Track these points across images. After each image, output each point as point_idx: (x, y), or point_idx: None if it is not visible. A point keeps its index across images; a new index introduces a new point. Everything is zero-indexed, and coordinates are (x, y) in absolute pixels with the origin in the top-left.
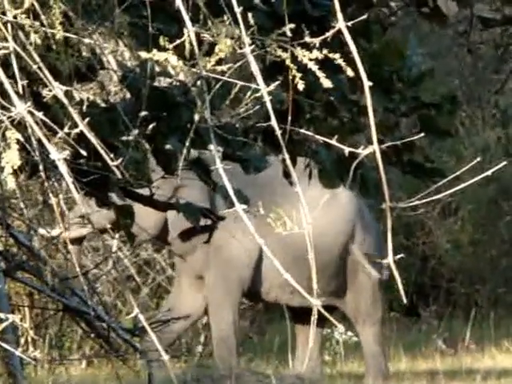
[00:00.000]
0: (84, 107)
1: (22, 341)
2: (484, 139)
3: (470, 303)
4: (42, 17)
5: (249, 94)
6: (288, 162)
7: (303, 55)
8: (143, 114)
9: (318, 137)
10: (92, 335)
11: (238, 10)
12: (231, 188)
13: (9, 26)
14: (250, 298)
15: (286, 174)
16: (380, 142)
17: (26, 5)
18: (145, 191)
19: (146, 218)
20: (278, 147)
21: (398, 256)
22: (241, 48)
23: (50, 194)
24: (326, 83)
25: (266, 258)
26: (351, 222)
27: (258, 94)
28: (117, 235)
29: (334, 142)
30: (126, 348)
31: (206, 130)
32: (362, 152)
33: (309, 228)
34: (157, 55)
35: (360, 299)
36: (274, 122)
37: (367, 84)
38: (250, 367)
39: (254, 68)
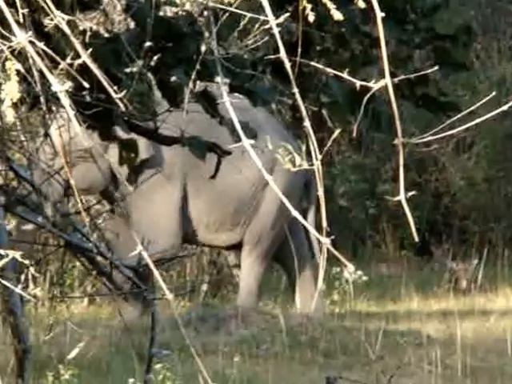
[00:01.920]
0: (87, 37)
1: (22, 278)
2: (500, 72)
3: (484, 242)
4: None
5: (257, 25)
6: (297, 95)
7: None
8: (148, 44)
9: (328, 69)
10: (94, 272)
11: None
12: (238, 121)
13: None
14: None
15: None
16: (392, 75)
17: None
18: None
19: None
20: (287, 80)
21: (410, 193)
22: None
23: (52, 127)
24: (337, 15)
25: (191, 200)
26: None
27: (267, 26)
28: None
29: (345, 74)
30: (128, 286)
31: (212, 61)
32: (374, 85)
33: (318, 164)
34: None
35: (263, 232)
36: (283, 54)
37: (379, 15)
38: (257, 307)
39: None
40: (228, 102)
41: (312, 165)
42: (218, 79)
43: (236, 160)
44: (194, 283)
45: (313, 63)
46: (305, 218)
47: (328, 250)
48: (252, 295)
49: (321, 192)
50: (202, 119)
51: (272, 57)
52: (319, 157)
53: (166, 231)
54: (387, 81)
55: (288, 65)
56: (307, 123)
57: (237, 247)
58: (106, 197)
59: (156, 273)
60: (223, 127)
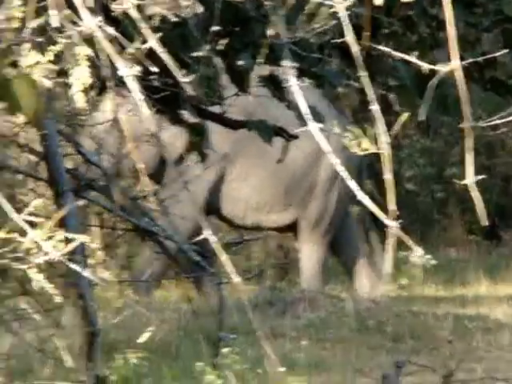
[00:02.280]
0: (155, 22)
1: (91, 262)
2: None
3: None
4: None
5: (325, 8)
6: (365, 79)
7: None
8: (215, 28)
9: (396, 53)
10: (162, 256)
11: None
12: (306, 105)
13: None
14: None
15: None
16: (461, 58)
17: None
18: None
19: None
20: (355, 63)
21: (479, 177)
22: None
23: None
24: None
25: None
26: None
27: (334, 9)
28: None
29: (412, 58)
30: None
31: (279, 45)
32: (442, 69)
33: (387, 148)
34: None
35: (323, 216)
36: (350, 38)
37: None
38: (324, 290)
39: None
40: (295, 86)
41: (379, 148)
42: (285, 63)
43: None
44: (261, 267)
45: (380, 46)
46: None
47: (396, 233)
48: (315, 280)
49: (389, 176)
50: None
51: (339, 40)
52: (387, 140)
53: (184, 214)
54: (455, 64)
55: (355, 48)
56: (375, 107)
57: (290, 230)
58: (155, 181)
59: (223, 256)
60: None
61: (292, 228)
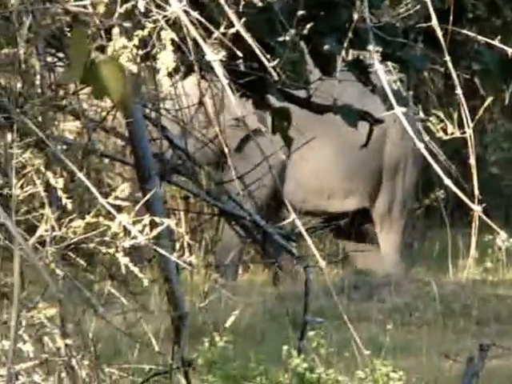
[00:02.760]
0: (240, 6)
1: (178, 246)
2: None
3: None
4: None
5: None
6: (449, 63)
7: None
8: (301, 13)
9: (480, 37)
10: (248, 240)
11: None
12: (390, 89)
13: None
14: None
15: None
16: None
17: None
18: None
19: None
20: (439, 48)
21: None
22: None
23: (206, 96)
24: None
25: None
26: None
27: None
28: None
29: (497, 42)
30: (282, 253)
31: (364, 29)
32: None
33: (470, 132)
34: None
35: (392, 203)
36: (435, 22)
37: None
38: (410, 274)
39: None
40: (381, 71)
41: (464, 133)
42: (370, 47)
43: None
44: (347, 250)
45: (465, 31)
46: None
47: (480, 217)
48: (397, 267)
49: (473, 160)
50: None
51: (424, 25)
52: (471, 125)
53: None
54: None
55: (440, 33)
56: (459, 91)
57: (365, 217)
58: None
59: (309, 240)
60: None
61: (366, 216)
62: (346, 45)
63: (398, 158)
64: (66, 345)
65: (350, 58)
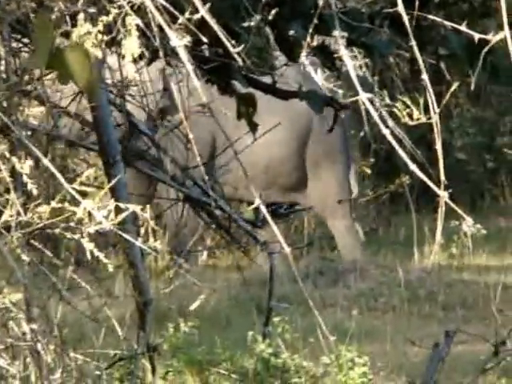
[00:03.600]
0: None
1: (143, 231)
2: None
3: None
4: None
5: None
6: (415, 48)
7: None
8: None
9: (446, 22)
10: (213, 226)
11: None
12: (356, 75)
13: None
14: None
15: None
16: (511, 26)
17: None
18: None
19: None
20: (405, 33)
21: None
22: None
23: (170, 82)
24: None
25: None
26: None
27: None
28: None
29: (463, 27)
30: (247, 239)
31: (330, 15)
32: (493, 38)
33: (436, 118)
34: None
35: (326, 194)
36: (401, 7)
37: None
38: (375, 260)
39: None
40: (346, 56)
41: (430, 118)
42: (336, 33)
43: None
44: (312, 237)
45: (431, 16)
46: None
47: (446, 203)
48: (351, 249)
49: (439, 146)
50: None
51: (390, 10)
52: (437, 110)
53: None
54: (506, 33)
55: (406, 18)
56: (425, 76)
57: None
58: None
59: (274, 226)
60: None
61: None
62: (311, 30)
63: (320, 152)
64: (32, 329)
65: (315, 43)
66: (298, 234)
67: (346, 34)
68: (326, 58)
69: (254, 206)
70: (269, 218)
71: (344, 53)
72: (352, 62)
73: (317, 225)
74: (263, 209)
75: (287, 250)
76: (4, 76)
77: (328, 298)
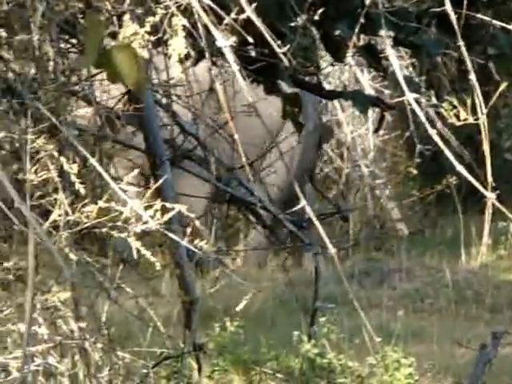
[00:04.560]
0: None
1: (189, 231)
2: None
3: None
4: None
5: None
6: (463, 48)
7: None
8: None
9: (495, 21)
10: (258, 226)
11: None
12: (402, 75)
13: None
14: None
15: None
16: None
17: None
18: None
19: None
20: (453, 32)
21: None
22: None
23: (216, 82)
24: None
25: None
26: None
27: None
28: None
29: None
30: (292, 240)
31: (376, 14)
32: None
33: (484, 118)
34: None
35: None
36: (448, 7)
37: None
38: (421, 261)
39: None
40: (393, 56)
41: (477, 119)
42: (382, 32)
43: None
44: (357, 237)
45: (479, 15)
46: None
47: (493, 204)
48: None
49: (486, 146)
50: None
51: (437, 9)
52: (485, 110)
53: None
54: None
55: (454, 17)
56: (473, 76)
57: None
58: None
59: (319, 227)
60: None
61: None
62: (357, 30)
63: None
64: (80, 328)
65: (361, 43)
66: (344, 234)
67: (392, 34)
68: (373, 57)
69: (299, 207)
70: (314, 218)
71: (390, 53)
72: (398, 61)
73: (362, 225)
74: (308, 209)
75: (332, 250)
76: (52, 76)
77: (373, 299)
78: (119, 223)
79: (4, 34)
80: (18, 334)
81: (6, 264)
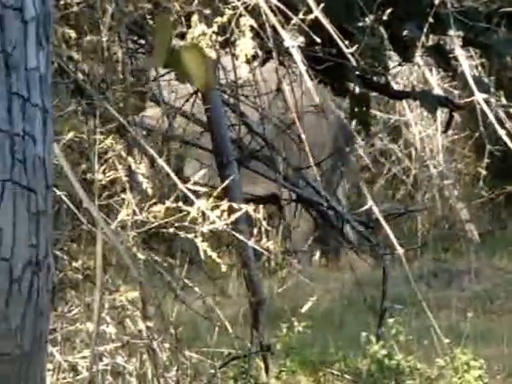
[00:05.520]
0: None
1: (255, 231)
2: None
3: None
4: None
5: None
6: None
7: None
8: None
9: None
10: (325, 227)
11: None
12: (471, 75)
13: None
14: None
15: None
16: None
17: None
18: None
19: None
20: None
21: None
22: None
23: (283, 82)
24: None
25: None
26: None
27: None
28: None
29: None
30: (359, 240)
31: (445, 14)
32: None
33: None
34: None
35: None
36: None
37: None
38: (491, 262)
39: None
40: (462, 56)
41: None
42: (451, 32)
43: None
44: (426, 238)
45: None
46: None
47: None
48: None
49: None
50: None
51: (508, 9)
52: None
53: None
54: None
55: None
56: None
57: None
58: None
59: (387, 228)
60: None
61: None
62: (426, 30)
63: None
64: (148, 327)
65: (430, 43)
66: (412, 235)
67: (461, 34)
68: (442, 58)
69: (366, 207)
70: (382, 219)
71: (460, 53)
72: (468, 62)
73: (430, 226)
74: (376, 210)
75: (400, 251)
76: (121, 77)
77: (442, 300)
78: (186, 223)
79: (74, 35)
80: (87, 334)
81: (74, 264)
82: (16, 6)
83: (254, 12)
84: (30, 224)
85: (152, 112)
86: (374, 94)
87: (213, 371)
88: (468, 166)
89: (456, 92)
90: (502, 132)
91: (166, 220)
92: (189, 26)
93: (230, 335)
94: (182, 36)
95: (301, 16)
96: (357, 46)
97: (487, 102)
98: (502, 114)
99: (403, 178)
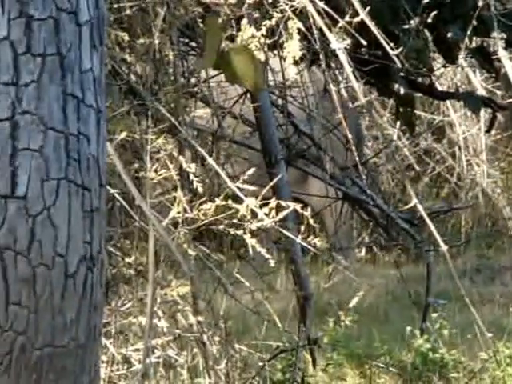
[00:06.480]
0: None
1: (303, 228)
2: None
3: None
4: None
5: None
6: None
7: None
8: (426, 1)
9: None
10: (371, 224)
11: None
12: None
13: None
14: None
15: None
16: None
17: None
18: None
19: None
20: None
21: None
22: None
23: (330, 83)
24: None
25: None
26: None
27: None
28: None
29: None
30: (404, 237)
31: (489, 16)
32: None
33: None
34: None
35: None
36: None
37: None
38: None
39: None
40: (505, 57)
41: None
42: (495, 34)
43: None
44: (469, 235)
45: None
46: None
47: None
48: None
49: None
50: None
51: None
52: None
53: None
54: None
55: None
56: None
57: None
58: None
59: (431, 224)
60: None
61: None
62: (469, 32)
63: None
64: (198, 321)
65: (473, 45)
66: (456, 232)
67: (504, 36)
68: (485, 59)
69: (411, 205)
70: (426, 216)
71: (502, 54)
72: (510, 63)
73: (474, 224)
74: (420, 207)
75: (444, 248)
76: (172, 78)
77: (485, 295)
78: (235, 220)
79: (126, 38)
80: (139, 327)
81: (127, 259)
82: (71, 9)
83: (302, 15)
84: (84, 221)
85: (202, 112)
86: (418, 94)
87: (261, 364)
88: (511, 165)
89: (499, 93)
90: None
91: (216, 217)
92: (239, 29)
93: (278, 329)
94: (232, 39)
95: (347, 19)
96: (402, 48)
97: None
98: None
99: (447, 177)
